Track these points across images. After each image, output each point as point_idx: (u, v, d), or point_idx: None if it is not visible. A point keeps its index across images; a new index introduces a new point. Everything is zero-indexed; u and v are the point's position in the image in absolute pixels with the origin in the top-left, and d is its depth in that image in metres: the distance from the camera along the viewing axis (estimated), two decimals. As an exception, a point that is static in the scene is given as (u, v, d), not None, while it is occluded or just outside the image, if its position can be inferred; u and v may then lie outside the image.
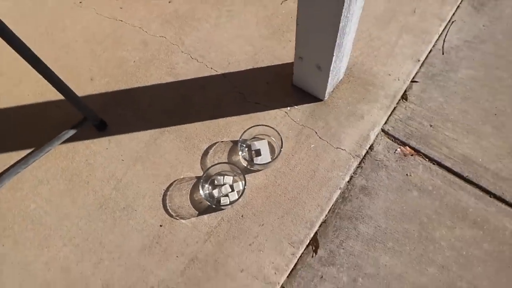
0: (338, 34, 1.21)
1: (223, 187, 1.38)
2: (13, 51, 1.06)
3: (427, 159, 1.46)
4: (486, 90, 1.60)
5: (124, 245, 1.32)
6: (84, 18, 1.86)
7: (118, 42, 1.77)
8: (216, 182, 1.40)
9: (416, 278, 1.27)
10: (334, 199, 1.39)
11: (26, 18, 1.84)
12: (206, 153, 1.47)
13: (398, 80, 1.61)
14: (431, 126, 1.53)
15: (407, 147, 1.49)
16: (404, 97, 1.60)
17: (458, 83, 1.62)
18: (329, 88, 1.52)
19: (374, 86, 1.60)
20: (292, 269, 1.29)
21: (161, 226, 1.34)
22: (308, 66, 1.45)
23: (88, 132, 1.52)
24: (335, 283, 1.27)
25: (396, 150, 1.48)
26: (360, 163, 1.46)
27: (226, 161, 1.46)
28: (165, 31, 1.78)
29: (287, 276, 1.28)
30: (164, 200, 1.39)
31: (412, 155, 1.47)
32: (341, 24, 1.17)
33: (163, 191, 1.41)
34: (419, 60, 1.67)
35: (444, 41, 1.74)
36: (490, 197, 1.38)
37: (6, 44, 1.03)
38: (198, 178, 1.42)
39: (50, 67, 1.19)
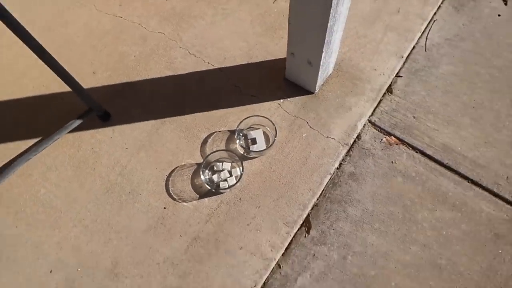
0: (327, 33, 1.25)
1: (222, 172, 1.42)
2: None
3: (410, 148, 1.51)
4: (465, 85, 1.64)
5: (130, 225, 1.37)
6: (84, 15, 1.87)
7: (118, 37, 1.79)
8: (215, 168, 1.44)
9: (401, 255, 1.32)
10: (325, 183, 1.44)
11: (28, 14, 1.85)
12: (205, 141, 1.51)
13: (383, 75, 1.65)
14: (414, 117, 1.57)
15: (392, 136, 1.53)
16: (389, 90, 1.64)
17: (439, 78, 1.66)
18: (319, 82, 1.56)
19: (361, 80, 1.64)
20: (287, 247, 1.34)
21: (164, 208, 1.39)
22: (299, 62, 1.48)
23: (92, 123, 1.55)
24: (326, 260, 1.32)
25: (382, 139, 1.53)
26: (348, 151, 1.50)
27: (224, 148, 1.50)
28: (163, 27, 1.81)
29: (282, 254, 1.33)
30: (167, 185, 1.43)
31: (396, 144, 1.52)
32: (329, 24, 1.21)
33: (166, 176, 1.45)
34: (402, 56, 1.70)
35: (426, 38, 1.77)
36: (468, 182, 1.44)
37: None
38: (198, 164, 1.46)
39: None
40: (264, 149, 1.47)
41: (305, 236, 1.37)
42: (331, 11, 1.16)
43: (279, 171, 1.46)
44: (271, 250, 1.32)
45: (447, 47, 1.75)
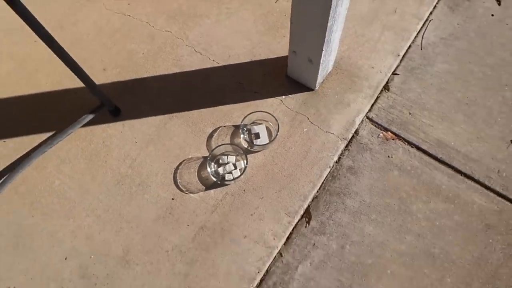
0: (327, 32, 1.28)
1: (227, 165, 1.46)
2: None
3: (406, 143, 1.54)
4: (459, 83, 1.67)
5: (141, 215, 1.42)
6: (94, 13, 1.89)
7: (127, 35, 1.82)
8: (220, 161, 1.48)
9: (396, 245, 1.37)
10: (324, 176, 1.48)
11: (38, 13, 1.83)
12: (211, 136, 1.56)
13: (381, 72, 1.68)
14: (410, 114, 1.60)
15: (389, 132, 1.57)
16: (386, 87, 1.67)
17: (434, 76, 1.69)
18: (319, 79, 1.59)
19: (359, 78, 1.67)
20: (288, 236, 1.38)
21: (173, 199, 1.44)
22: (300, 60, 1.51)
23: (104, 118, 1.58)
24: (325, 249, 1.37)
25: (379, 134, 1.57)
26: (347, 145, 1.54)
27: (229, 142, 1.54)
28: (170, 26, 1.84)
29: (284, 244, 1.37)
30: (174, 177, 1.48)
31: (393, 139, 1.55)
32: (329, 24, 1.24)
33: (174, 169, 1.49)
34: (399, 55, 1.73)
35: (422, 38, 1.79)
36: (461, 176, 1.48)
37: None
38: (205, 158, 1.51)
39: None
40: (267, 143, 1.50)
41: (306, 227, 1.41)
42: (331, 11, 1.19)
43: (281, 164, 1.50)
44: (274, 239, 1.37)
45: (442, 46, 1.78)
